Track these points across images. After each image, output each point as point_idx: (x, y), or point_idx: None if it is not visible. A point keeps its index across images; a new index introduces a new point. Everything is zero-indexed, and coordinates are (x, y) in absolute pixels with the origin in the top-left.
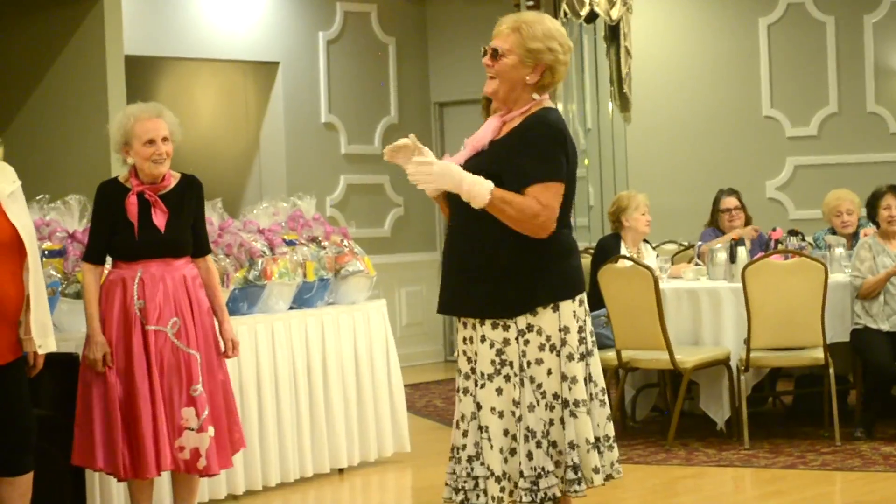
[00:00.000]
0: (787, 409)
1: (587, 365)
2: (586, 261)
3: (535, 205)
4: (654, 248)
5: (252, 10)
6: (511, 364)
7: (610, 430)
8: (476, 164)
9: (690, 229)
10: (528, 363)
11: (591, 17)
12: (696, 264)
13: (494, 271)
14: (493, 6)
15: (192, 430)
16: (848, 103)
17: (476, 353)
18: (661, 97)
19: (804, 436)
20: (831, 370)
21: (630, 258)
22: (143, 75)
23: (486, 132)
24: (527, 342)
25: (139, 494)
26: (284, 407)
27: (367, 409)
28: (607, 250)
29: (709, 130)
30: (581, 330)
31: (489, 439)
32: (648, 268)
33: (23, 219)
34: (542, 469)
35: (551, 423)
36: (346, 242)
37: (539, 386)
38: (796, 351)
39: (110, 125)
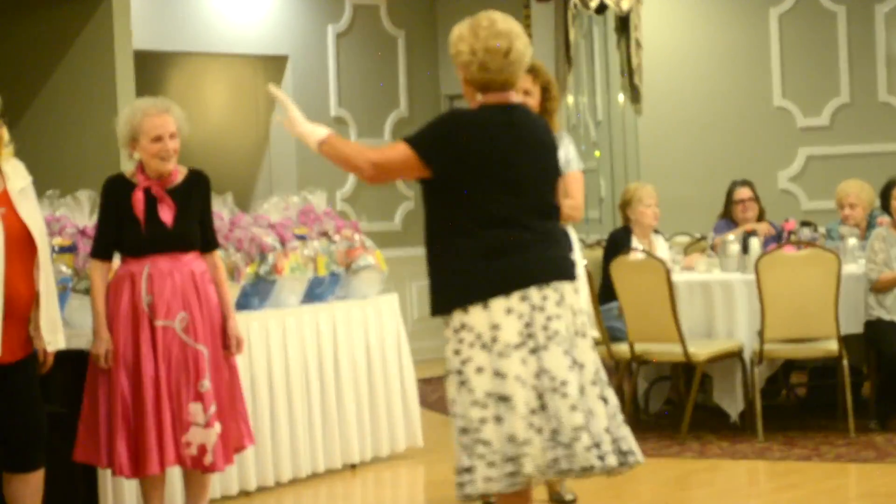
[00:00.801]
0: (801, 401)
1: (539, 359)
2: (596, 254)
3: (361, 159)
4: (666, 240)
5: (261, 4)
6: (449, 360)
7: (577, 419)
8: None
9: (702, 221)
10: (462, 361)
11: (602, 8)
12: (710, 256)
13: (431, 270)
14: None
15: (199, 425)
16: (860, 93)
17: None
18: (671, 88)
19: (818, 428)
20: (845, 362)
21: (642, 250)
22: (152, 70)
23: None
24: (461, 340)
25: (151, 491)
26: (296, 402)
27: (379, 403)
28: (618, 243)
29: (720, 121)
30: (529, 325)
31: None
32: (661, 260)
33: (33, 215)
34: (461, 466)
35: (482, 421)
36: (356, 237)
37: (464, 383)
38: (810, 343)
39: (117, 120)
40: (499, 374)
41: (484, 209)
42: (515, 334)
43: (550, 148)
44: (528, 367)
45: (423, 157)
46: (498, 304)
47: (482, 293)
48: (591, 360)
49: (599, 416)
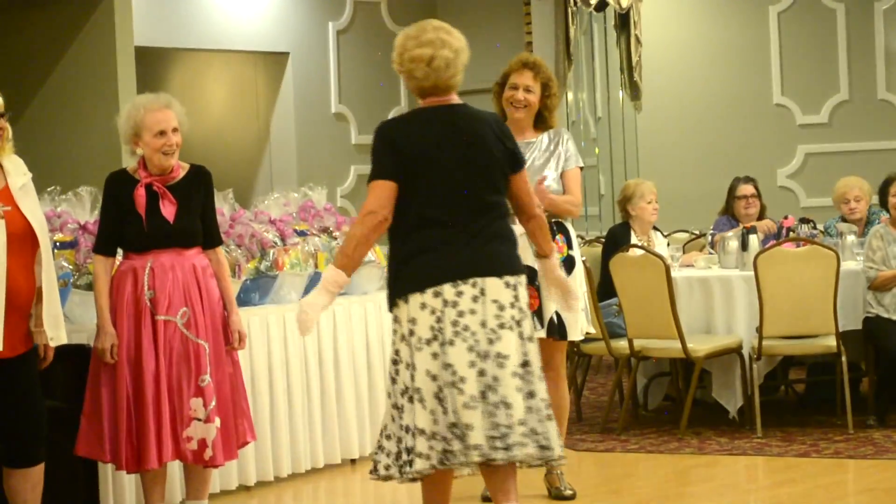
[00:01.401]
0: (800, 397)
1: (445, 353)
2: (596, 250)
3: (366, 223)
4: (665, 237)
5: (262, 1)
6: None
7: (469, 417)
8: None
9: (701, 217)
10: (395, 352)
11: (602, 5)
12: (710, 252)
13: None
14: None
15: (200, 420)
16: (859, 91)
17: None
18: (671, 85)
19: (817, 424)
20: (844, 358)
21: (642, 247)
22: (153, 66)
23: None
24: (393, 332)
25: (151, 486)
26: (296, 398)
27: (379, 399)
28: (617, 239)
29: (719, 119)
30: (440, 320)
31: None
32: (660, 256)
33: (35, 211)
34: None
35: (399, 409)
36: None
37: (393, 375)
38: (809, 339)
39: (119, 116)
40: (412, 367)
41: (417, 212)
42: (427, 329)
43: (492, 144)
44: (437, 362)
45: (392, 178)
46: (414, 299)
47: (402, 290)
48: (519, 352)
49: (515, 407)
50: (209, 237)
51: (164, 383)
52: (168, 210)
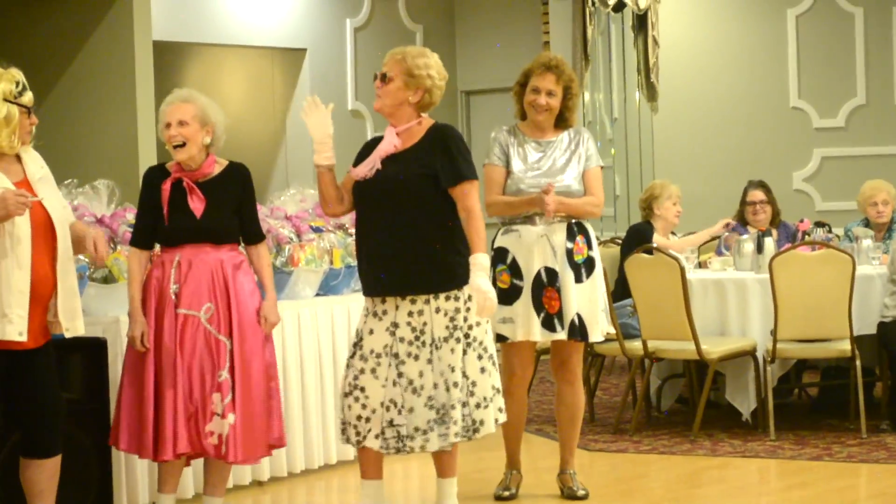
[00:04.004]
0: (813, 400)
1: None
2: (610, 251)
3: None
4: (679, 238)
5: None
6: None
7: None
8: (397, 170)
9: (716, 219)
10: (469, 326)
11: (619, 6)
12: (719, 254)
13: None
14: None
15: (218, 415)
16: (876, 95)
17: None
18: (688, 87)
19: (830, 428)
20: (858, 362)
21: (657, 248)
22: (170, 61)
23: (387, 143)
24: (456, 311)
25: (167, 477)
26: (309, 394)
27: None
28: (640, 236)
29: (736, 121)
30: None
31: None
32: (675, 258)
33: (54, 202)
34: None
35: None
36: None
37: (463, 349)
38: (823, 343)
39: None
40: (488, 334)
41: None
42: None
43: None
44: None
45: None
46: (466, 287)
47: (465, 278)
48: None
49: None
50: (249, 233)
51: (183, 377)
52: (196, 205)
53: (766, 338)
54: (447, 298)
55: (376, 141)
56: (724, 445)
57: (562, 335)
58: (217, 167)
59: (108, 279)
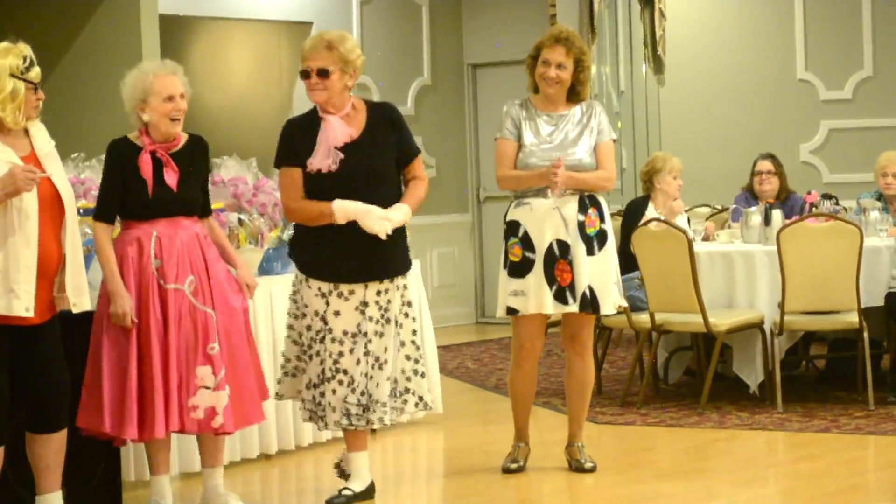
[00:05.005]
0: (821, 372)
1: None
2: (616, 223)
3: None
4: (685, 211)
5: None
6: None
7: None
8: (362, 158)
9: (723, 192)
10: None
11: None
12: (729, 227)
13: None
14: None
15: (209, 388)
16: (883, 67)
17: None
18: (695, 60)
19: (837, 400)
20: (865, 334)
21: (664, 221)
22: (177, 35)
23: (341, 132)
24: (404, 298)
25: (157, 454)
26: None
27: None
28: (635, 212)
29: (743, 93)
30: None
31: None
32: (683, 230)
33: (61, 177)
34: None
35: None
36: None
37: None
38: (830, 315)
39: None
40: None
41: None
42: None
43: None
44: None
45: None
46: None
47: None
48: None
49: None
50: (204, 207)
51: (173, 352)
52: (171, 178)
53: (774, 310)
54: (402, 277)
55: (306, 126)
56: (731, 418)
57: (574, 308)
58: (181, 139)
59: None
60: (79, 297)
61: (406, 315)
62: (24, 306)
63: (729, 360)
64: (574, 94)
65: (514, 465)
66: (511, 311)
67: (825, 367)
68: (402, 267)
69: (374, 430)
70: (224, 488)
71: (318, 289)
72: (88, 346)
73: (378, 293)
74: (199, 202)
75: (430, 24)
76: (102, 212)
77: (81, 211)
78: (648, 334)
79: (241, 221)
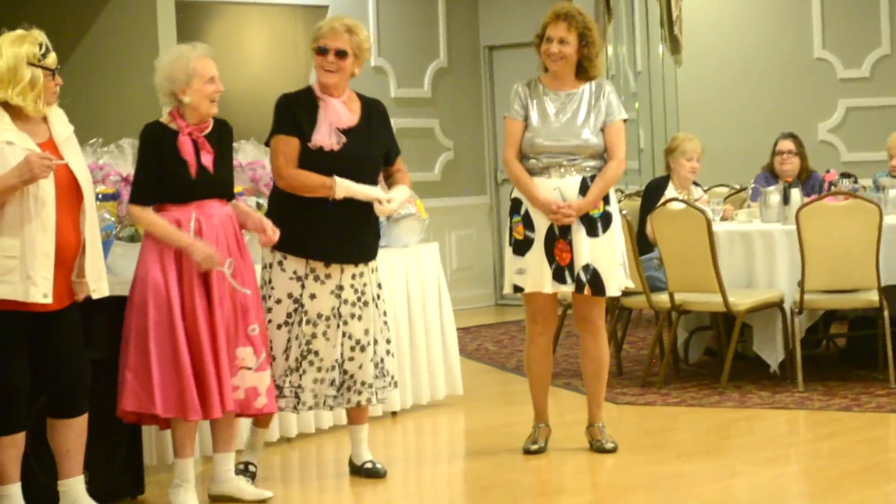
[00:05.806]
0: (841, 351)
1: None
2: (635, 204)
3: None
4: (705, 192)
5: None
6: None
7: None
8: (360, 145)
9: (741, 172)
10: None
11: None
12: (748, 206)
13: None
14: None
15: (250, 369)
16: None
17: None
18: (711, 39)
19: (858, 378)
20: (886, 312)
21: (683, 200)
22: (193, 19)
23: (344, 115)
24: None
25: (184, 438)
26: None
27: (420, 352)
28: (653, 192)
29: (760, 73)
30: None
31: None
32: (702, 210)
33: (79, 163)
34: None
35: None
36: None
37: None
38: (850, 293)
39: (161, 63)
40: None
41: None
42: None
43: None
44: None
45: None
46: None
47: None
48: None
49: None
50: (232, 190)
51: (221, 333)
52: (207, 160)
53: (794, 289)
54: (374, 260)
55: (306, 103)
56: (752, 397)
57: (571, 287)
58: (210, 123)
59: (134, 238)
60: (98, 283)
61: (379, 297)
62: (41, 293)
63: (749, 340)
64: (582, 72)
65: (534, 447)
66: (517, 288)
67: (846, 346)
68: (375, 251)
69: (394, 413)
70: (234, 473)
71: (294, 272)
72: (110, 331)
73: (353, 276)
74: (232, 184)
75: (447, 5)
76: (139, 194)
77: (100, 196)
78: (668, 314)
79: (258, 205)
